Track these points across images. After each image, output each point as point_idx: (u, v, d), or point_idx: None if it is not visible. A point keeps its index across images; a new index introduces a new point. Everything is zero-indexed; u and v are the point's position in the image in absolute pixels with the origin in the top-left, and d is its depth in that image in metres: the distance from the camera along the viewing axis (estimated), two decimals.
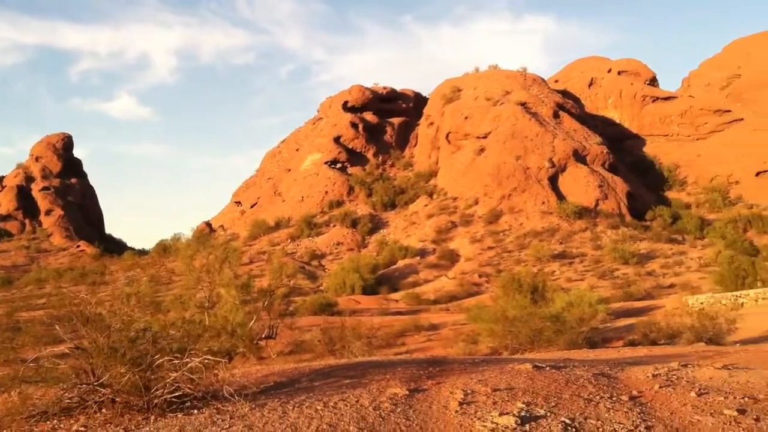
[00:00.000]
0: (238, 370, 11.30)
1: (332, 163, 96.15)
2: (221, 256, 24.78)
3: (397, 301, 53.52)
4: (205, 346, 9.41)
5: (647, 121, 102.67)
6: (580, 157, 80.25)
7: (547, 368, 11.06)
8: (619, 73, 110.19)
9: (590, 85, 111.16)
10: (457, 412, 8.00)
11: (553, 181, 77.26)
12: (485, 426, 7.33)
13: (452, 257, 67.03)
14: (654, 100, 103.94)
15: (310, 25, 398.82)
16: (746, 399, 8.83)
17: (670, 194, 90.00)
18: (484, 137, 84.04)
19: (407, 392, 8.96)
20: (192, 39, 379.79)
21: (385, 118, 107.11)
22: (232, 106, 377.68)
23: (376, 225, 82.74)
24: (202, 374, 8.65)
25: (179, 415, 7.99)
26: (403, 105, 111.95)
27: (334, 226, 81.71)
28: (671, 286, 54.09)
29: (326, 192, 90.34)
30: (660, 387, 9.68)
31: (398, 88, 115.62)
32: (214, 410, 8.12)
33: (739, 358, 14.66)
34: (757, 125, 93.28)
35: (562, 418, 7.70)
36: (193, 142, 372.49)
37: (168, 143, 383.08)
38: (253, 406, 8.27)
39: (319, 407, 8.24)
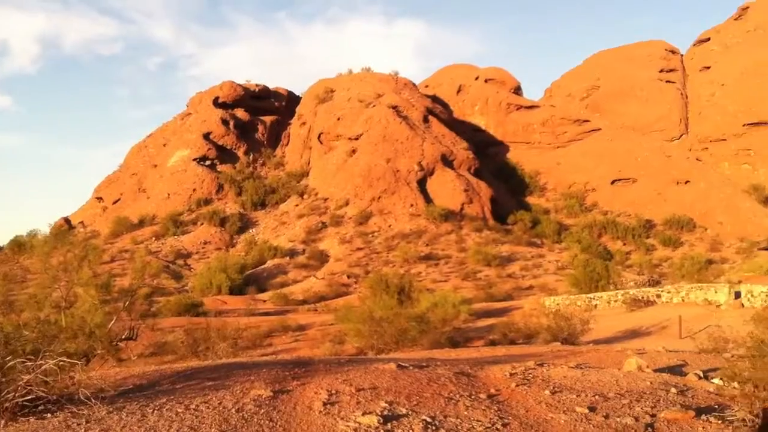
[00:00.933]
0: (96, 372, 10.94)
1: (201, 160, 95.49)
2: (80, 254, 24.15)
3: (264, 301, 53.85)
4: (60, 347, 9.19)
5: (511, 128, 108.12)
6: (447, 161, 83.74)
7: (411, 368, 11.52)
8: (486, 81, 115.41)
9: (458, 91, 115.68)
10: (320, 412, 8.22)
11: (421, 184, 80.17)
12: (348, 426, 7.60)
13: (322, 258, 68.27)
14: (518, 109, 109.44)
15: (181, 17, 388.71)
16: (597, 397, 9.54)
17: (531, 199, 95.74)
18: (356, 139, 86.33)
19: (271, 393, 9.08)
20: (56, 26, 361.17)
21: (257, 116, 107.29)
22: (96, 98, 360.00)
23: (245, 224, 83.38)
24: (56, 377, 8.46)
25: (31, 419, 7.82)
26: (276, 103, 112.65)
27: (202, 224, 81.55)
28: (530, 287, 57.46)
29: (194, 189, 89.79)
30: (517, 385, 10.27)
31: (271, 85, 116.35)
32: (69, 414, 7.96)
33: (591, 357, 15.74)
34: (613, 135, 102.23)
35: (423, 417, 8.04)
36: (54, 134, 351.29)
37: (28, 134, 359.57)
38: (111, 409, 8.14)
39: (180, 410, 8.21)
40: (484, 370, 11.90)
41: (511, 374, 11.29)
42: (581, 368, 12.23)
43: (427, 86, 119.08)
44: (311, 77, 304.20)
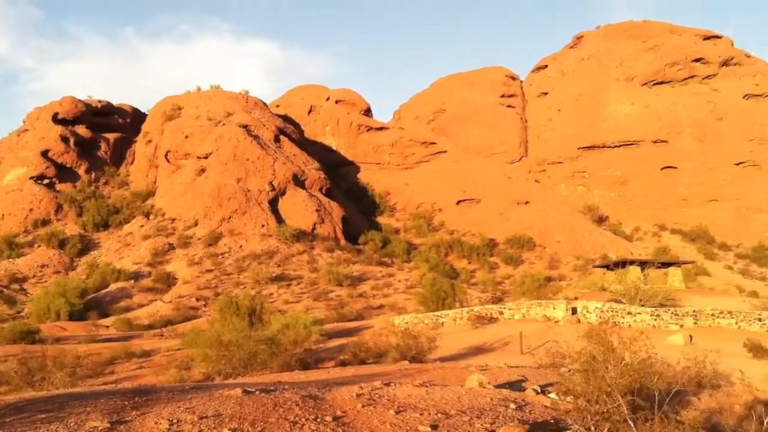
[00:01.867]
0: None
1: (39, 178, 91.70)
2: None
3: (107, 327, 52.23)
4: None
5: (362, 149, 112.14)
6: (299, 181, 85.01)
7: (257, 392, 11.47)
8: (336, 102, 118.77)
9: (310, 111, 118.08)
10: None
11: (273, 204, 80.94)
12: None
13: (169, 280, 67.03)
14: (368, 130, 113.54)
15: (20, 29, 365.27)
16: (439, 415, 9.88)
17: (381, 219, 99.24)
18: (206, 157, 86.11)
19: (108, 425, 8.84)
20: None
21: (100, 133, 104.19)
22: None
23: (86, 246, 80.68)
24: None
25: None
26: (120, 120, 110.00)
27: (39, 246, 78.16)
28: (381, 306, 58.97)
29: (31, 210, 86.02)
30: (363, 406, 10.48)
31: (115, 102, 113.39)
32: None
33: (437, 375, 16.30)
34: (458, 157, 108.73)
35: None
36: None
37: None
38: None
39: None
40: (331, 392, 12.04)
41: (357, 395, 11.49)
42: (426, 386, 12.67)
43: (278, 106, 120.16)
44: (160, 94, 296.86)
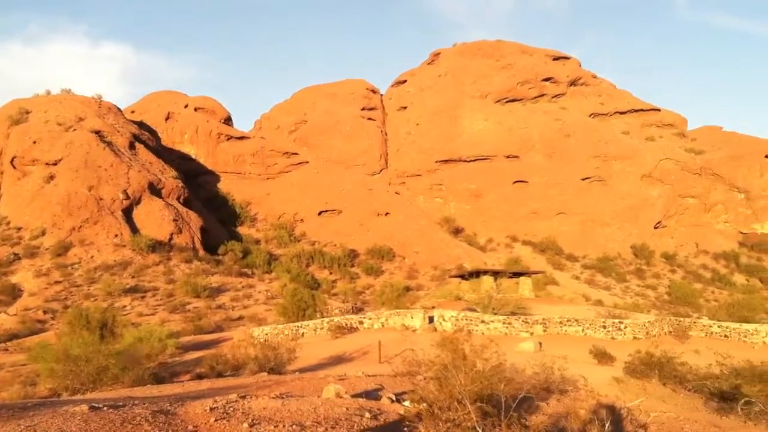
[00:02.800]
0: None
1: None
2: None
3: None
4: None
5: (222, 158, 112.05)
6: (155, 190, 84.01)
7: (105, 408, 11.11)
8: (195, 109, 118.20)
9: (167, 118, 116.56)
10: None
11: (127, 213, 79.52)
12: None
13: (14, 292, 64.42)
14: (228, 139, 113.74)
15: None
16: (294, 426, 10.06)
17: (242, 230, 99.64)
18: (55, 164, 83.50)
19: None
20: None
21: None
22: None
23: None
24: None
25: None
26: None
27: None
28: (240, 318, 59.15)
29: None
30: (216, 420, 10.47)
31: None
32: None
33: (294, 386, 16.59)
34: (320, 168, 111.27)
35: None
36: None
37: None
38: None
39: None
40: (184, 406, 11.82)
41: (211, 409, 11.41)
42: (283, 398, 12.77)
43: (133, 112, 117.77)
44: (5, 97, 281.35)
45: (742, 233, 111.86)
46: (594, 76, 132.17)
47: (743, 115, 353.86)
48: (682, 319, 46.21)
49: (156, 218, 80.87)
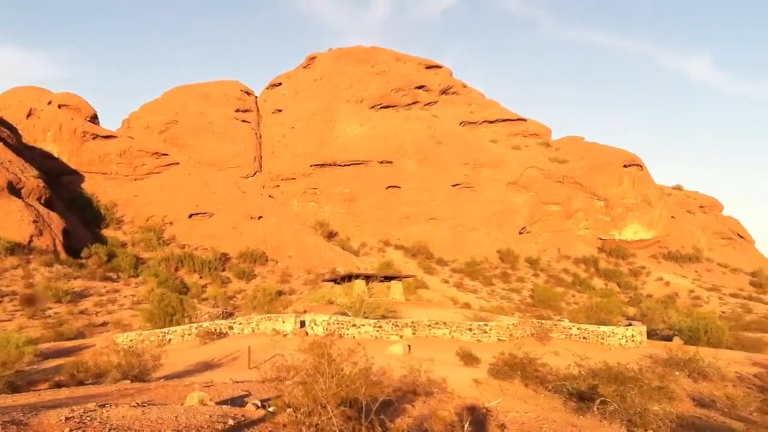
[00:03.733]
0: None
1: None
2: None
3: None
4: None
5: (87, 157, 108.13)
6: (14, 189, 79.96)
7: None
8: (59, 106, 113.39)
9: (29, 115, 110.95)
10: None
11: None
12: None
13: None
14: (94, 138, 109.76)
15: None
16: None
17: (107, 232, 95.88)
18: None
19: None
20: None
21: None
22: None
23: None
24: None
25: None
26: None
27: None
28: (104, 324, 57.22)
29: None
30: (71, 430, 10.18)
31: None
32: None
33: (158, 394, 16.26)
34: (191, 170, 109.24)
35: None
36: None
37: None
38: None
39: None
40: (38, 416, 11.43)
41: (67, 418, 11.05)
42: (144, 406, 12.51)
43: None
44: None
45: (601, 239, 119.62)
46: (464, 86, 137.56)
47: (604, 127, 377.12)
48: (544, 321, 47.48)
49: (15, 219, 77.33)
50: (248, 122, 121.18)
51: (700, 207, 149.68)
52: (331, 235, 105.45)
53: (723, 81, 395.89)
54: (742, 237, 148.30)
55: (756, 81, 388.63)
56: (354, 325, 39.98)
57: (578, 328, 45.45)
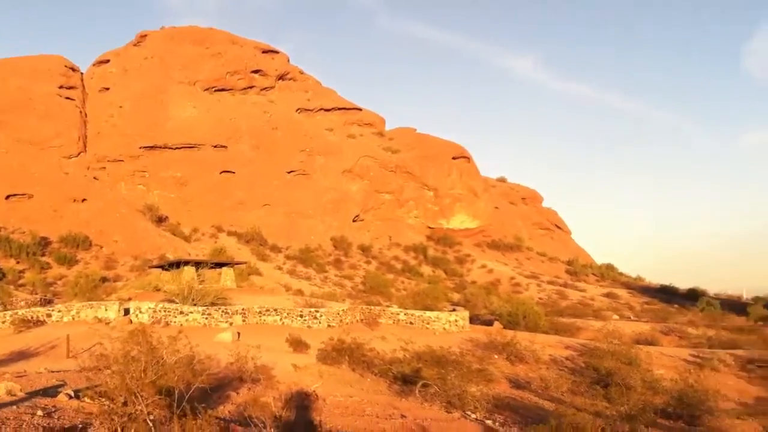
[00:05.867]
0: None
1: None
2: None
3: None
4: None
5: None
6: None
7: None
8: None
9: None
10: None
11: None
12: None
13: None
14: None
15: None
16: None
17: None
18: None
19: None
20: None
21: None
22: None
23: None
24: None
25: None
26: None
27: None
28: None
29: None
30: None
31: None
32: None
33: None
34: (9, 148, 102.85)
35: None
36: None
37: None
38: None
39: None
40: None
41: None
42: None
43: None
44: None
45: (430, 228, 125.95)
46: (301, 72, 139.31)
47: (435, 120, 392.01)
48: (373, 307, 49.73)
49: None
50: (73, 100, 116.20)
51: (522, 199, 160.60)
52: (161, 220, 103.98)
53: (545, 79, 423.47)
54: (559, 228, 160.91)
55: (574, 80, 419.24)
56: (181, 313, 40.23)
57: (405, 314, 48.29)
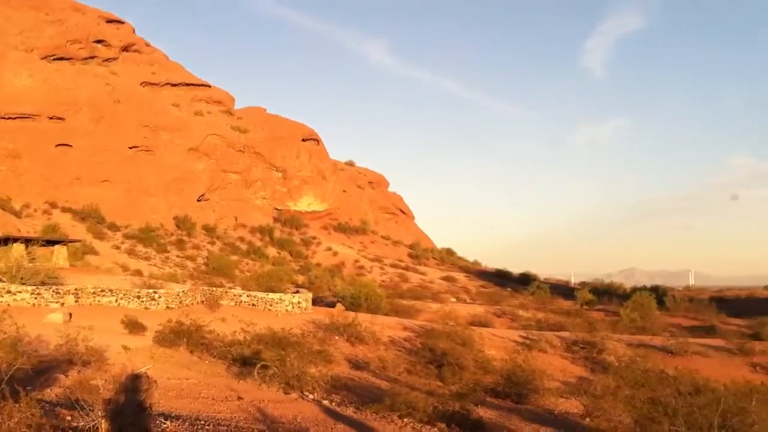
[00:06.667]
0: None
1: None
2: None
3: None
4: None
5: None
6: None
7: None
8: None
9: None
10: None
11: None
12: None
13: None
14: None
15: None
16: None
17: None
18: None
19: None
20: None
21: None
22: None
23: None
24: None
25: None
26: None
27: None
28: None
29: None
30: None
31: None
32: None
33: None
34: None
35: None
36: None
37: None
38: None
39: None
40: None
41: None
42: None
43: None
44: None
45: (277, 209, 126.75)
46: (147, 45, 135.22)
47: (286, 101, 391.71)
48: (215, 288, 49.67)
49: None
50: None
51: (369, 183, 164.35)
52: None
53: (395, 65, 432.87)
54: (403, 212, 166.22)
55: (422, 67, 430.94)
56: (9, 292, 38.97)
57: (248, 295, 48.89)
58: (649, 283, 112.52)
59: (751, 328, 57.05)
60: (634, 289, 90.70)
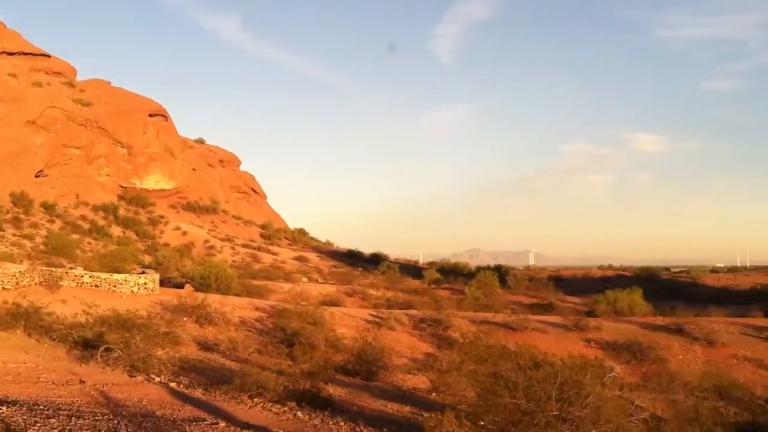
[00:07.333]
0: None
1: None
2: None
3: None
4: None
5: None
6: None
7: None
8: None
9: None
10: None
11: None
12: None
13: None
14: None
15: None
16: None
17: None
18: None
19: None
20: None
21: None
22: None
23: None
24: None
25: None
26: None
27: None
28: None
29: None
30: None
31: None
32: None
33: None
34: None
35: None
36: None
37: None
38: None
39: None
40: None
41: None
42: None
43: None
44: None
45: (122, 187, 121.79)
46: None
47: (134, 75, 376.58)
48: (54, 269, 48.29)
49: None
50: None
51: (220, 161, 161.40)
52: None
53: (247, 42, 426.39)
54: (256, 192, 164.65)
55: (276, 46, 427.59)
56: None
57: (91, 276, 46.87)
58: (492, 263, 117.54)
59: (586, 305, 60.67)
60: (479, 269, 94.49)
